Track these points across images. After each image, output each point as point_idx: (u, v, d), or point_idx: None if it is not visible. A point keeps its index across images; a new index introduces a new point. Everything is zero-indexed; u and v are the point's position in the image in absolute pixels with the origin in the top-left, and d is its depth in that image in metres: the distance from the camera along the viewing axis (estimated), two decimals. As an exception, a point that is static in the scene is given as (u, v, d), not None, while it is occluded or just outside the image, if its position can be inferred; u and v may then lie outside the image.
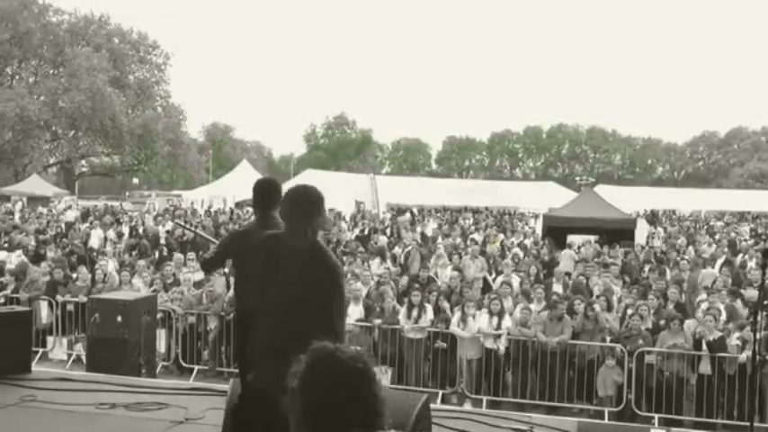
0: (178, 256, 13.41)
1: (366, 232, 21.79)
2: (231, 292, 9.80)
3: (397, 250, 16.70)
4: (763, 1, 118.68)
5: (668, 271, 14.27)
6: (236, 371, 5.54)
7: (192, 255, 12.70)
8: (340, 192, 38.03)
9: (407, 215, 29.77)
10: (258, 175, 43.28)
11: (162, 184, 67.24)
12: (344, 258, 14.07)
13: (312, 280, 3.76)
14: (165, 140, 53.54)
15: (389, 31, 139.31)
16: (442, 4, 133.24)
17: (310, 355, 1.99)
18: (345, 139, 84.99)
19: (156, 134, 52.20)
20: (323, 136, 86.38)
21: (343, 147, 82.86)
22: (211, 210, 33.34)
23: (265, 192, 4.90)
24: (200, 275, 11.42)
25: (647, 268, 14.52)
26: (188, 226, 13.64)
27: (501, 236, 21.17)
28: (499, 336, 9.77)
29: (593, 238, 19.62)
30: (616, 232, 19.92)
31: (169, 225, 19.46)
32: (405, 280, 12.29)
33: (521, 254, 16.15)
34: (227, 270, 10.43)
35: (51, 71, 53.22)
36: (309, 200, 3.86)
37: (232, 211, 31.12)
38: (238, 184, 37.75)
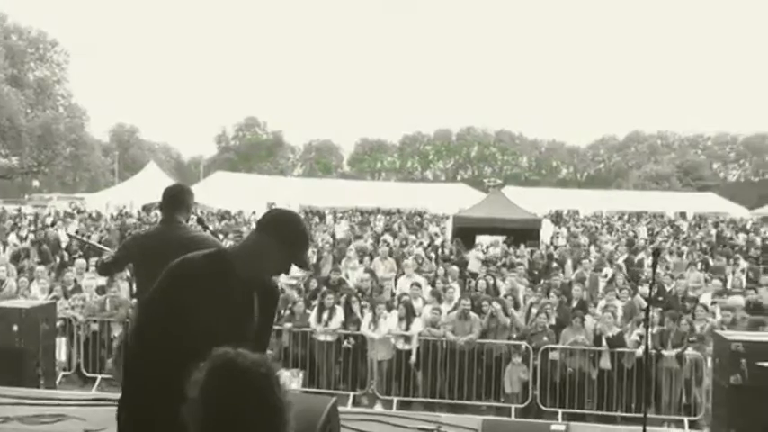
0: (80, 261, 12.94)
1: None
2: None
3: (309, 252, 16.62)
4: (659, 11, 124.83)
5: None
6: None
7: (95, 260, 12.28)
8: (250, 194, 37.69)
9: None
10: (166, 177, 42.31)
11: (64, 186, 64.62)
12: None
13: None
14: (68, 141, 51.46)
15: (300, 31, 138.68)
16: (352, 4, 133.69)
17: (210, 363, 1.95)
18: (256, 140, 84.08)
19: (57, 135, 50.09)
20: (233, 137, 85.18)
21: (255, 148, 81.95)
22: (120, 213, 32.28)
23: (172, 194, 4.82)
24: (102, 281, 11.05)
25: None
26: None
27: (412, 237, 21.45)
28: (409, 336, 9.88)
29: (500, 238, 20.11)
30: (522, 232, 20.51)
31: (72, 228, 18.77)
32: (315, 282, 12.24)
33: (423, 254, 16.33)
34: (129, 274, 10.15)
35: (-57, 69, 50.33)
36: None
37: (139, 215, 30.22)
38: (145, 187, 36.76)
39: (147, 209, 33.22)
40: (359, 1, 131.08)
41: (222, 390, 1.88)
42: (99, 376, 10.12)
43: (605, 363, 9.40)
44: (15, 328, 7.69)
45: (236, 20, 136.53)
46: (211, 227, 20.85)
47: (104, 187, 52.24)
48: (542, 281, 13.10)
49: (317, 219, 31.88)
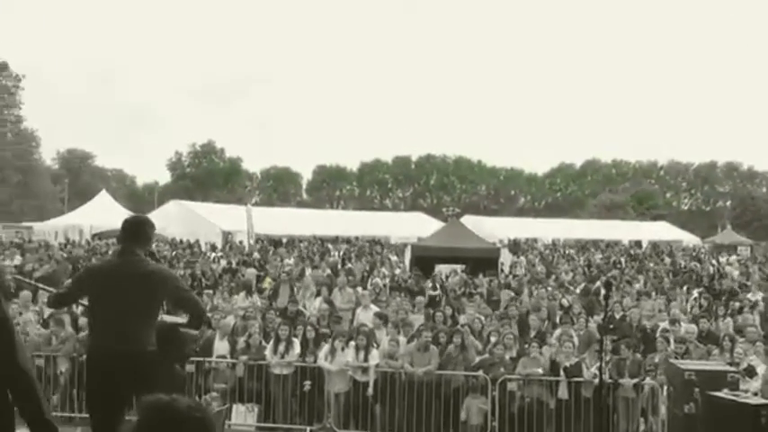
0: (25, 293, 12.45)
1: (234, 265, 21.30)
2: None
3: (266, 283, 16.42)
4: (613, 39, 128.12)
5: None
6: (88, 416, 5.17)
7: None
8: (206, 223, 37.20)
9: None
10: (117, 205, 41.46)
11: (10, 215, 62.93)
12: (206, 292, 13.66)
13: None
14: (15, 168, 50.28)
15: (254, 57, 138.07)
16: (308, 30, 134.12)
17: (145, 408, 1.86)
18: (213, 167, 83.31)
19: (4, 162, 48.96)
20: (189, 164, 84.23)
21: (211, 176, 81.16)
22: (69, 242, 31.40)
23: (132, 226, 5.01)
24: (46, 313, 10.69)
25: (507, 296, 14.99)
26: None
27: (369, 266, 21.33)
28: (366, 368, 9.73)
29: (459, 267, 20.10)
30: (481, 261, 20.53)
31: (17, 259, 18.20)
32: (272, 314, 12.03)
33: (380, 284, 16.21)
34: (76, 309, 9.83)
35: None
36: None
37: (89, 244, 29.35)
38: (96, 215, 35.97)
39: (98, 237, 32.37)
40: (316, 25, 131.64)
41: None
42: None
43: (563, 392, 9.37)
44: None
45: (193, 43, 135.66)
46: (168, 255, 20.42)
47: (53, 216, 50.99)
48: (500, 310, 13.08)
49: (272, 248, 31.51)
